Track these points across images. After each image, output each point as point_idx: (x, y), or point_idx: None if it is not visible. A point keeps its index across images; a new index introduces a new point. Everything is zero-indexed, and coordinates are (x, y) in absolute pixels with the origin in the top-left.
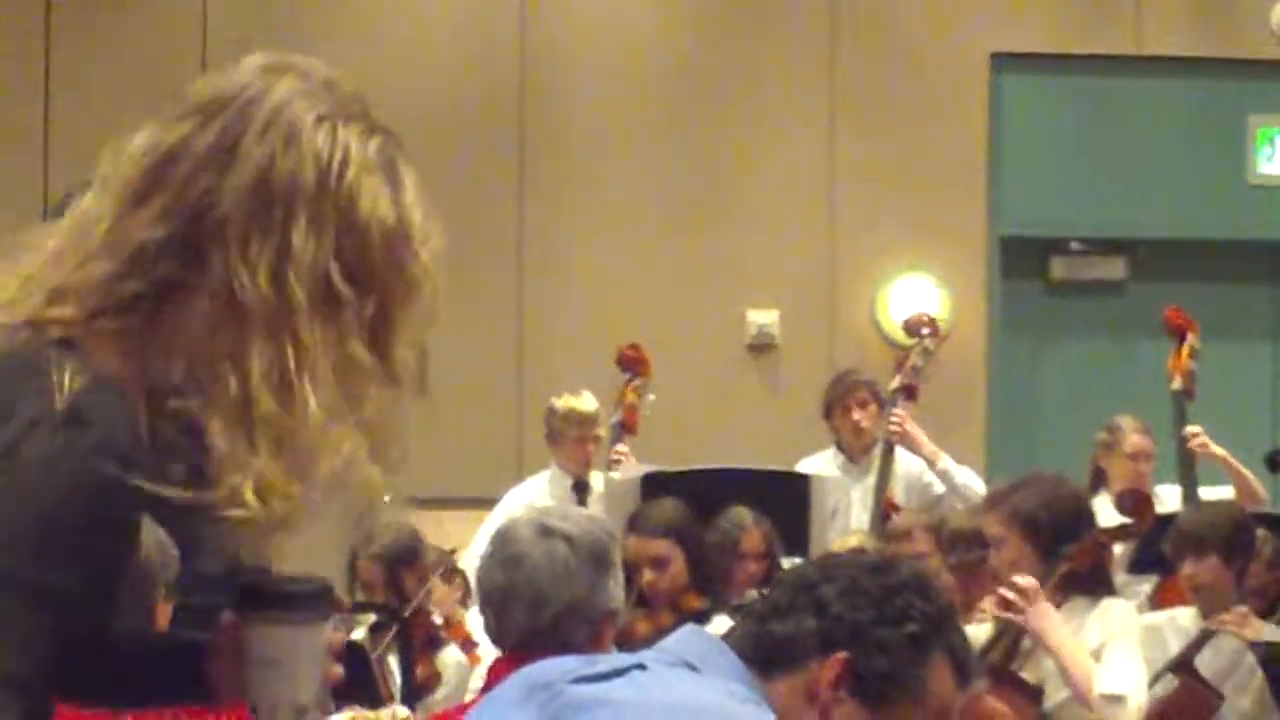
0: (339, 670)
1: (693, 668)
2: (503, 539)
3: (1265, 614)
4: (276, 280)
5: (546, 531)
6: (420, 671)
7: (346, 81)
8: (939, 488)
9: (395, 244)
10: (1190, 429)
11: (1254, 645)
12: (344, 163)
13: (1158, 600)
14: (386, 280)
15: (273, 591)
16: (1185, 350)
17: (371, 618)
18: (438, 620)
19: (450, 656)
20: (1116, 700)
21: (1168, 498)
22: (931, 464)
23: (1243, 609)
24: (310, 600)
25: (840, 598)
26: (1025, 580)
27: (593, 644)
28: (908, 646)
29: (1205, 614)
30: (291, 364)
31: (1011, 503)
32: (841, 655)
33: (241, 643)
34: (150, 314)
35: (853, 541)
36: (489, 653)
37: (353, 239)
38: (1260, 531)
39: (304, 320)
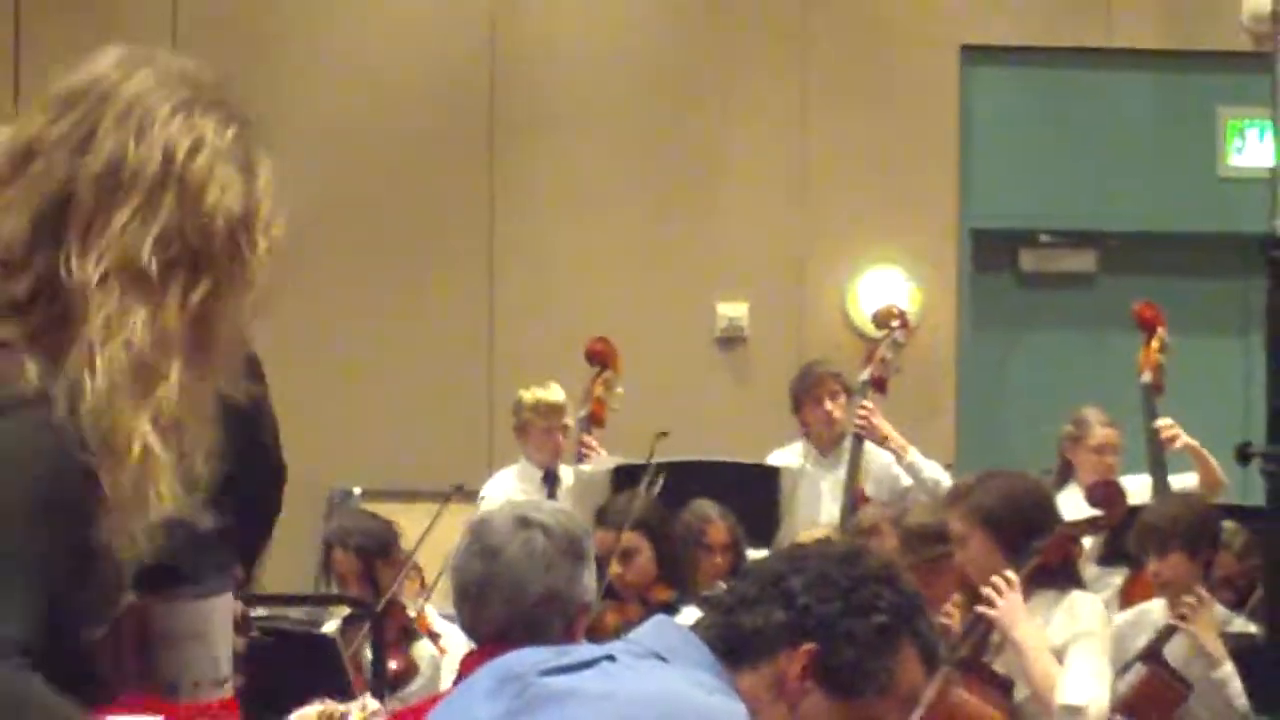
0: (240, 640)
1: (662, 659)
2: (479, 531)
3: (1236, 605)
4: (97, 261)
5: (524, 522)
6: (396, 664)
7: (207, 71)
8: (906, 480)
9: (238, 232)
10: (1161, 421)
11: (1225, 636)
12: (194, 150)
13: (1128, 593)
14: (223, 266)
15: (179, 568)
16: (1155, 344)
17: (344, 610)
18: (412, 613)
19: (425, 649)
20: (1077, 712)
21: (1136, 489)
22: (899, 457)
23: (1202, 593)
24: (218, 571)
25: (808, 589)
26: (1006, 576)
27: (567, 635)
28: (876, 637)
29: (1173, 607)
30: (92, 341)
31: (972, 500)
32: (809, 646)
33: (155, 623)
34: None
35: (818, 534)
36: (454, 645)
37: (196, 223)
38: (1230, 524)
39: (97, 297)
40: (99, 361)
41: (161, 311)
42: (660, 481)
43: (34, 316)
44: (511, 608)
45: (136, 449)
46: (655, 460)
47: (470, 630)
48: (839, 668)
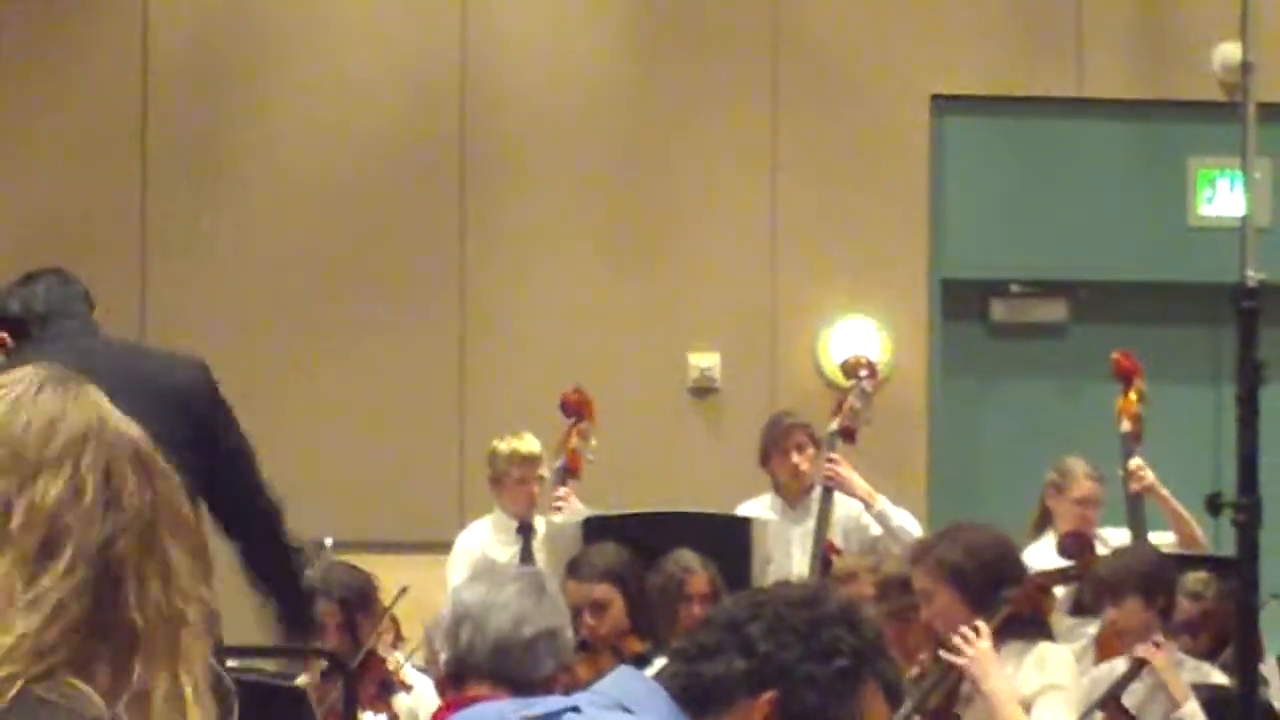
0: None
1: (627, 710)
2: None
3: (1207, 655)
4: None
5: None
6: (377, 717)
7: None
8: (876, 529)
9: None
10: (1133, 463)
11: (1197, 687)
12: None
13: (1102, 644)
14: None
15: None
16: (1133, 394)
17: (322, 663)
18: (391, 665)
19: (404, 702)
20: None
21: (1115, 541)
22: (868, 505)
23: (1158, 638)
24: None
25: (767, 636)
26: (974, 626)
27: (549, 685)
28: (837, 681)
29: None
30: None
31: (935, 555)
32: (770, 695)
33: None
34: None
35: None
36: (425, 699)
37: None
38: (1202, 574)
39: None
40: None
41: None
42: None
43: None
44: (513, 632)
45: None
46: (628, 512)
47: (460, 658)
48: (801, 714)
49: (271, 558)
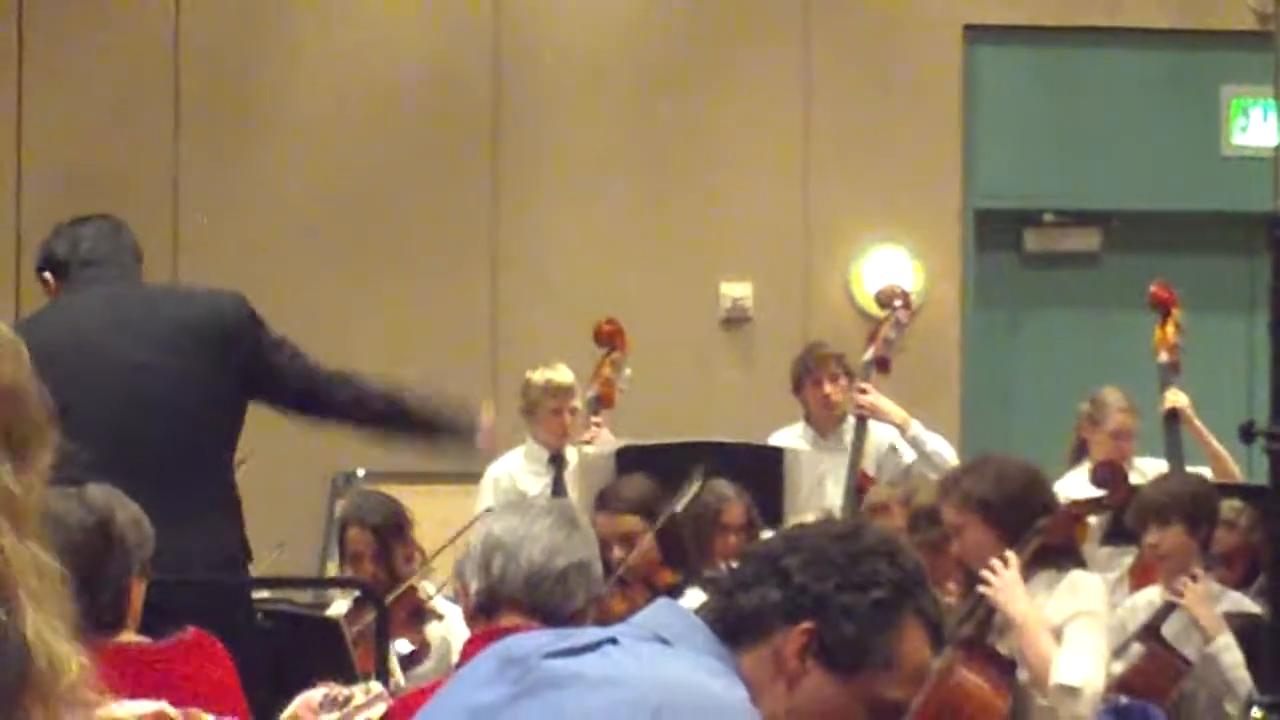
0: None
1: (665, 642)
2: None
3: (1241, 584)
4: None
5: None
6: (409, 643)
7: None
8: (908, 457)
9: None
10: (1170, 394)
11: (1229, 616)
12: None
13: (1137, 574)
14: None
15: None
16: (1170, 325)
17: (354, 592)
18: (422, 594)
19: (437, 630)
20: (1072, 692)
21: (1152, 471)
22: (902, 430)
23: (1197, 571)
24: None
25: (804, 568)
26: (1005, 557)
27: (579, 618)
28: (875, 612)
29: (1168, 583)
30: None
31: (963, 488)
32: (806, 625)
33: None
34: None
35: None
36: (456, 628)
37: None
38: (1235, 502)
39: None
40: None
41: None
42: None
43: None
44: (546, 563)
45: None
46: (662, 442)
47: (493, 588)
48: (838, 645)
49: (380, 394)
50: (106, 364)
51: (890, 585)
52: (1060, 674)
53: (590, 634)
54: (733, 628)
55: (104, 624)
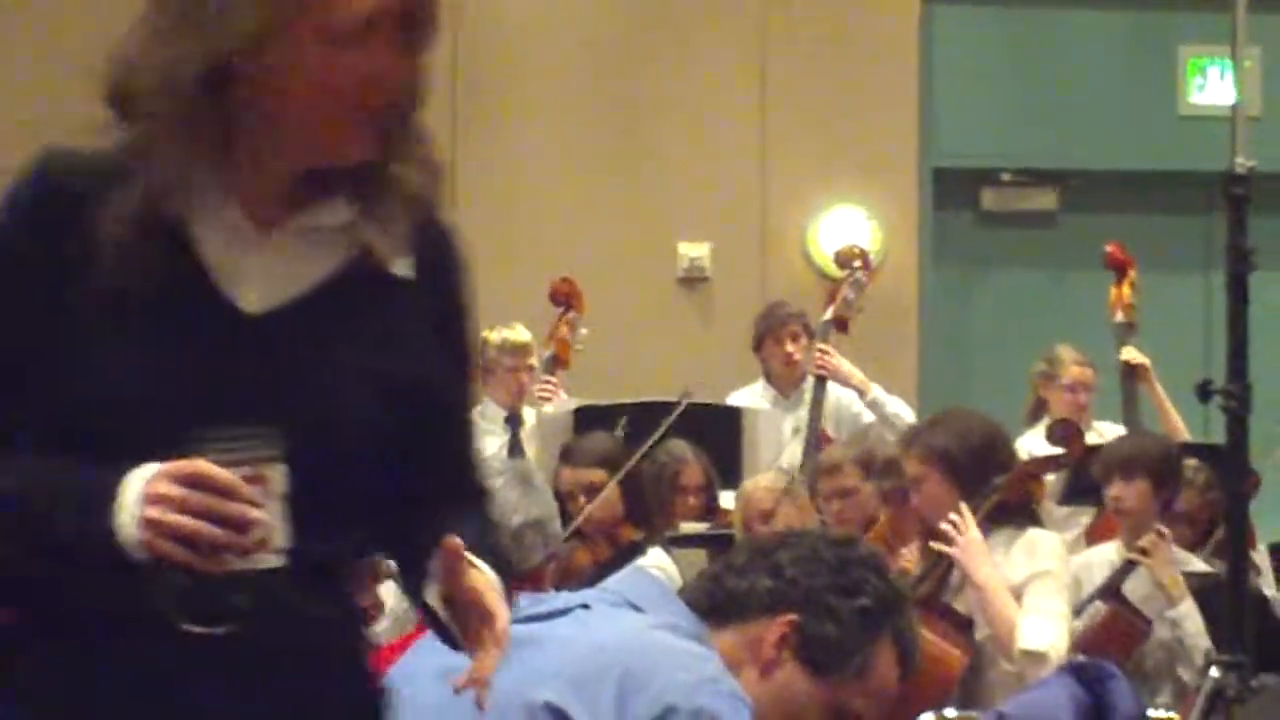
0: None
1: (637, 608)
2: None
3: (1197, 544)
4: None
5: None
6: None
7: None
8: (868, 418)
9: None
10: (1126, 351)
11: (1187, 576)
12: None
13: (1094, 532)
14: None
15: None
16: (1126, 286)
17: None
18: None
19: (392, 588)
20: (1038, 657)
21: (1110, 435)
22: (861, 394)
23: (1161, 529)
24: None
25: (796, 563)
26: (963, 514)
27: (537, 576)
28: (858, 619)
29: (1128, 540)
30: None
31: (926, 441)
32: (790, 616)
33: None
34: None
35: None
36: None
37: None
38: (1191, 461)
39: None
40: None
41: None
42: (626, 428)
43: None
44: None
45: None
46: (620, 402)
47: None
48: (817, 642)
49: None
50: None
51: (877, 597)
52: (1025, 639)
53: (562, 599)
54: (715, 604)
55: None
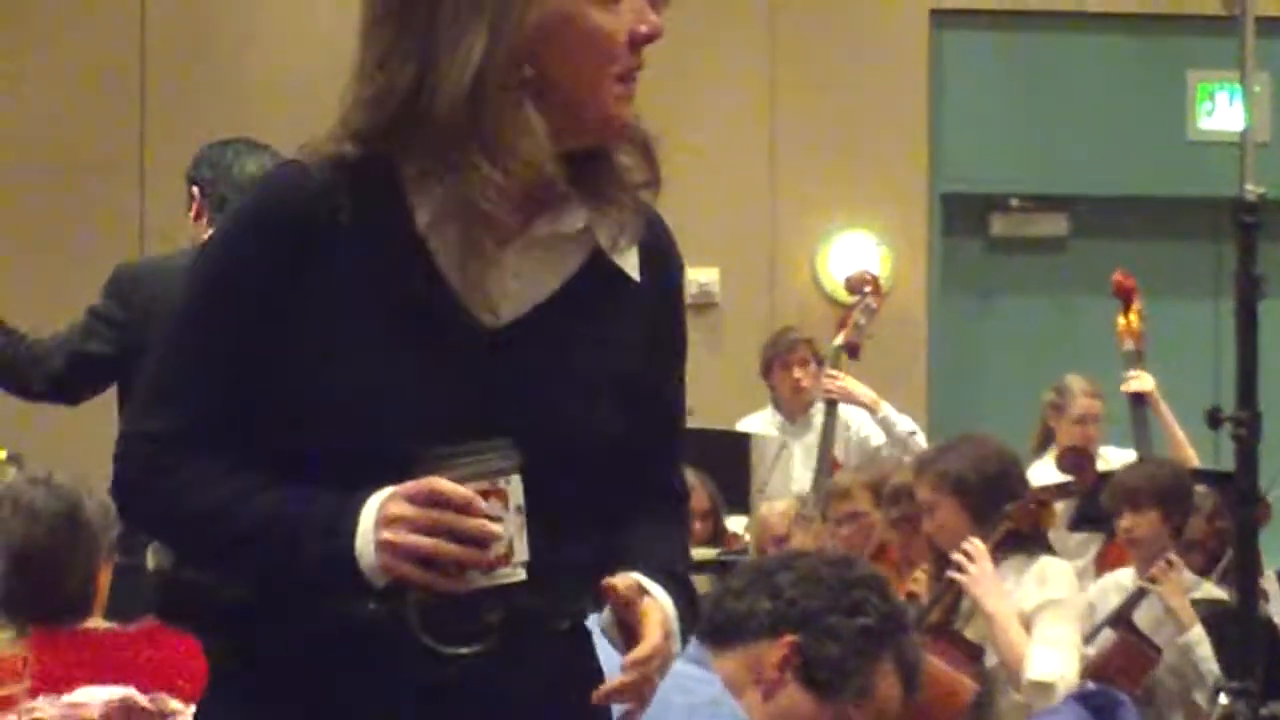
0: None
1: None
2: None
3: (1205, 570)
4: None
5: None
6: None
7: None
8: (877, 439)
9: None
10: (1132, 375)
11: (1195, 602)
12: None
13: (1104, 559)
14: None
15: None
16: (1133, 314)
17: None
18: None
19: None
20: (1046, 688)
21: (1118, 460)
22: (872, 412)
23: (1172, 557)
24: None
25: (796, 584)
26: (975, 544)
27: None
28: (859, 639)
29: (1141, 568)
30: None
31: (939, 466)
32: (791, 638)
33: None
34: None
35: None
36: None
37: None
38: (1200, 488)
39: None
40: None
41: None
42: None
43: None
44: None
45: None
46: None
47: None
48: (819, 663)
49: None
50: None
51: (878, 616)
52: (1034, 669)
53: None
54: (715, 626)
55: (71, 610)
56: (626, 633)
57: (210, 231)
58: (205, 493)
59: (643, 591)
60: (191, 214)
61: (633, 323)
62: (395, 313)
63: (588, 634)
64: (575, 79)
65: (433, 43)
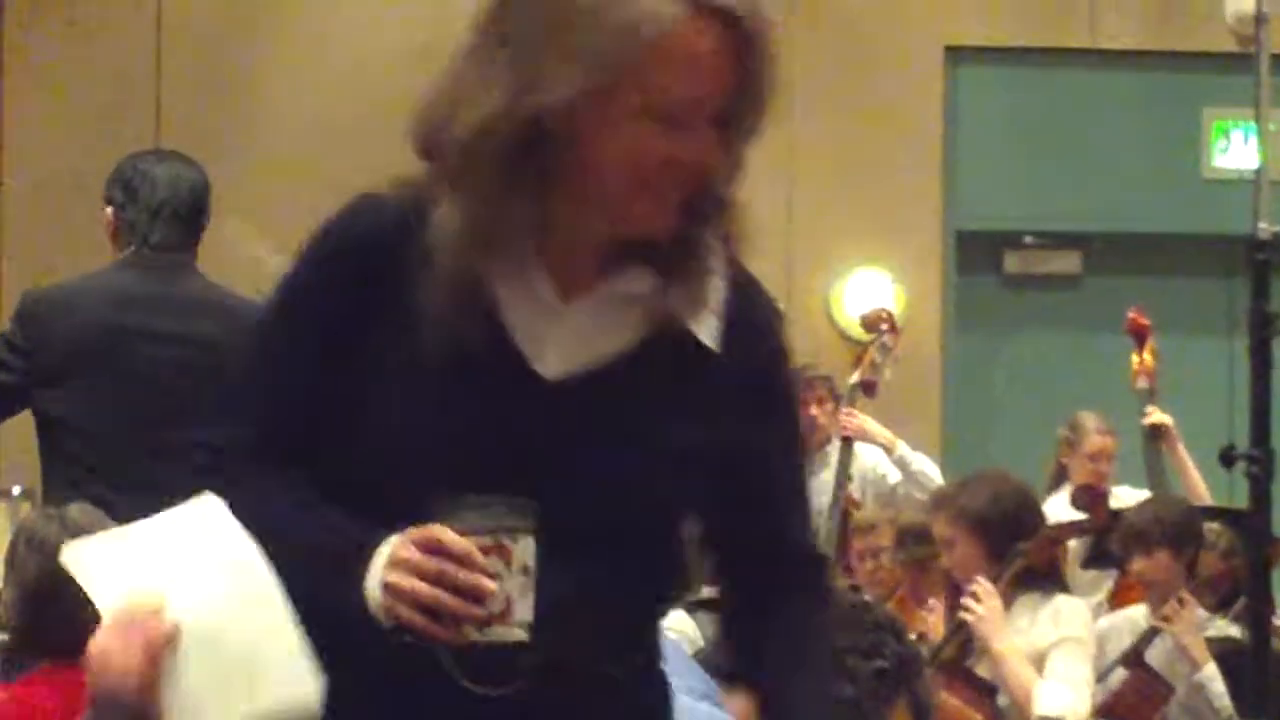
0: None
1: None
2: None
3: (1220, 608)
4: None
5: None
6: None
7: None
8: (893, 478)
9: None
10: (1149, 410)
11: (1209, 640)
12: None
13: (1118, 597)
14: None
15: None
16: (1147, 352)
17: None
18: None
19: None
20: None
21: (1131, 500)
22: (888, 451)
23: (1185, 595)
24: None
25: None
26: (983, 585)
27: None
28: (874, 680)
29: (1154, 607)
30: None
31: (958, 503)
32: None
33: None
34: None
35: None
36: None
37: None
38: (1214, 526)
39: None
40: None
41: None
42: None
43: None
44: None
45: None
46: None
47: None
48: (835, 705)
49: None
50: None
51: (895, 659)
52: (1042, 705)
53: None
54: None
55: (86, 647)
56: None
57: (124, 252)
58: (259, 507)
59: None
60: (109, 234)
61: (713, 394)
62: (452, 354)
63: (656, 679)
64: (608, 182)
65: (462, 85)
